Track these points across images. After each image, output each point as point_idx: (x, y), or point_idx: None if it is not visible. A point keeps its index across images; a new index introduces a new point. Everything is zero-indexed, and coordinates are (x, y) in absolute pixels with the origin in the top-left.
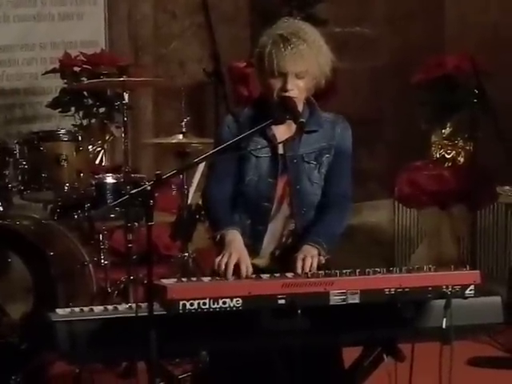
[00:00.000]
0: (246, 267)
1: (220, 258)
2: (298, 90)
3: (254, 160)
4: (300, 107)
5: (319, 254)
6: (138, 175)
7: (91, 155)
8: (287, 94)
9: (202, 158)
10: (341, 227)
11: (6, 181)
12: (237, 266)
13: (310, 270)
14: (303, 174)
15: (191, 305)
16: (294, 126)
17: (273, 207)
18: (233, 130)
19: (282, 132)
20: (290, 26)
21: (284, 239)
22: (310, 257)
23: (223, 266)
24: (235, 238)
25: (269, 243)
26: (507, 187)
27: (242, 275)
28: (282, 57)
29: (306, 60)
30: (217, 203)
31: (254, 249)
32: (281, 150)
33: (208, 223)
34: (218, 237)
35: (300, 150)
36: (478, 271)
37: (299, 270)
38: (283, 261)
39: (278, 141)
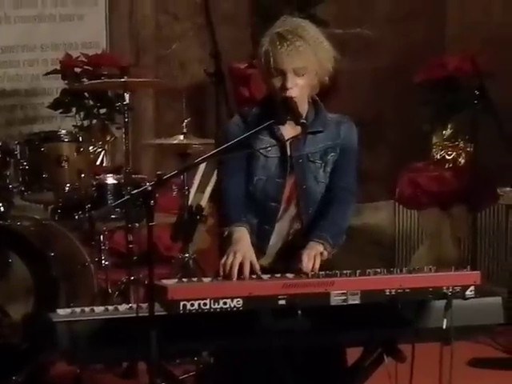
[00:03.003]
0: (253, 264)
1: (224, 258)
2: (298, 89)
3: (262, 160)
4: (305, 107)
5: (324, 249)
6: (139, 176)
7: (92, 156)
8: (287, 92)
9: (204, 158)
10: (345, 221)
11: (7, 181)
12: (241, 267)
13: (313, 269)
14: (309, 174)
15: (192, 305)
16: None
17: (281, 208)
18: (241, 129)
19: (289, 131)
20: (287, 24)
21: (290, 238)
22: (314, 255)
23: (228, 268)
24: (242, 236)
25: (275, 242)
26: (508, 188)
27: (245, 276)
28: (279, 54)
29: (302, 56)
30: (229, 198)
31: (260, 248)
32: (288, 151)
33: (218, 218)
34: (226, 233)
35: (305, 150)
36: (478, 272)
37: (305, 267)
38: (287, 260)
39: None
